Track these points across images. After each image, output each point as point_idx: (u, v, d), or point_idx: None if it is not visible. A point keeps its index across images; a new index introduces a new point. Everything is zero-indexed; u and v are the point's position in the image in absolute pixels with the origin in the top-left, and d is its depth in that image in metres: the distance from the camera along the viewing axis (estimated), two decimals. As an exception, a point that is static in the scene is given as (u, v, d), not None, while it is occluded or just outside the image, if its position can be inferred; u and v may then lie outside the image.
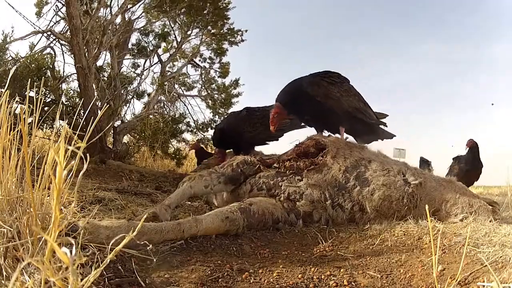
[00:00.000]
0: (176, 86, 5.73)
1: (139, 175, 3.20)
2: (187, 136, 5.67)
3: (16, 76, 3.48)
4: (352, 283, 1.00)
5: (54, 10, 4.23)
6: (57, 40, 4.17)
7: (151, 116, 5.25)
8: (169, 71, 5.52)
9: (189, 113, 5.65)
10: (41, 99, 1.02)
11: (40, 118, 1.07)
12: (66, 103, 4.17)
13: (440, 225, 1.40)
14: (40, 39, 4.07)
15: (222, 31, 5.41)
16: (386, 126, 2.55)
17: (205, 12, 5.11)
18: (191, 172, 2.69)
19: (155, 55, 5.36)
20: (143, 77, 5.24)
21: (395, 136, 2.59)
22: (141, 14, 4.94)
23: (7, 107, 0.97)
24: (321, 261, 1.19)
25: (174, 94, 5.58)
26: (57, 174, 0.55)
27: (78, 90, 4.04)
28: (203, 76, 5.79)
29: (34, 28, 3.94)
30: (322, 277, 1.03)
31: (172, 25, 5.32)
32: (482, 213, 1.55)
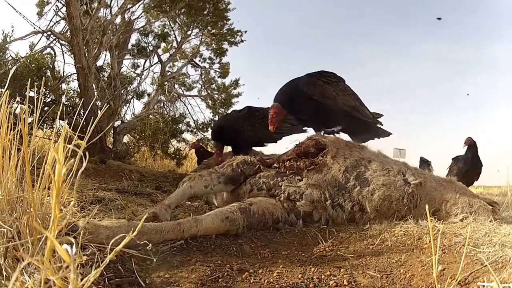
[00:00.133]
0: (176, 86, 5.73)
1: (139, 175, 3.20)
2: (187, 136, 5.67)
3: (16, 76, 3.48)
4: (352, 283, 1.00)
5: (54, 10, 4.24)
6: (57, 40, 4.17)
7: (151, 116, 5.25)
8: (169, 71, 5.52)
9: (189, 113, 5.66)
10: (41, 99, 1.02)
11: (40, 118, 1.07)
12: (66, 103, 4.17)
13: (440, 225, 1.40)
14: (40, 39, 4.08)
15: (222, 31, 5.41)
16: (382, 125, 2.57)
17: (205, 12, 5.11)
18: (191, 172, 2.70)
19: (155, 55, 5.36)
20: (143, 77, 5.25)
21: (391, 134, 2.61)
22: (140, 14, 4.94)
23: (7, 107, 0.97)
24: (321, 261, 1.19)
25: (174, 94, 5.58)
26: (56, 172, 0.55)
27: (78, 90, 4.04)
28: (203, 76, 5.79)
29: (34, 28, 3.95)
30: (322, 277, 1.03)
31: (172, 25, 5.32)
32: (482, 213, 1.55)
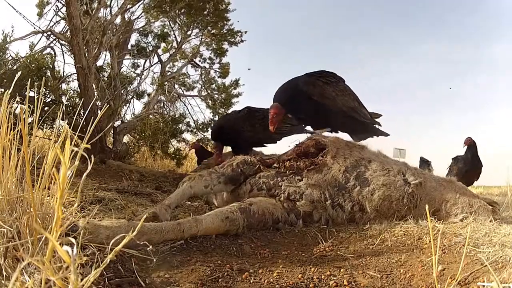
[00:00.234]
0: (176, 86, 5.73)
1: (139, 175, 3.20)
2: (187, 136, 5.67)
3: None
4: (352, 283, 1.00)
5: (54, 10, 4.24)
6: (57, 40, 4.17)
7: (151, 116, 5.25)
8: (169, 71, 5.52)
9: (189, 113, 5.65)
10: (41, 99, 1.02)
11: (40, 118, 1.07)
12: (66, 103, 4.17)
13: (440, 225, 1.40)
14: (40, 39, 4.07)
15: (222, 31, 5.41)
16: (380, 126, 2.59)
17: (205, 12, 5.11)
18: (191, 172, 2.70)
19: (155, 55, 5.36)
20: (143, 77, 5.24)
21: (389, 135, 2.63)
22: (140, 14, 4.94)
23: (7, 107, 0.97)
24: (321, 261, 1.19)
25: (174, 94, 5.58)
26: (61, 174, 0.55)
27: (78, 90, 4.04)
28: (203, 76, 5.79)
29: (34, 28, 3.94)
30: (322, 277, 1.03)
31: (172, 25, 5.32)
32: (482, 213, 1.55)
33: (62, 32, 4.16)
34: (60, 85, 4.20)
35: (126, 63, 5.30)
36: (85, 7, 3.99)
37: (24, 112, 0.87)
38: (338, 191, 1.66)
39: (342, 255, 1.25)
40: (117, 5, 4.40)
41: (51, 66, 4.17)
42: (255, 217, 1.45)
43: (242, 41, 5.54)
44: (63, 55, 4.29)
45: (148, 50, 5.32)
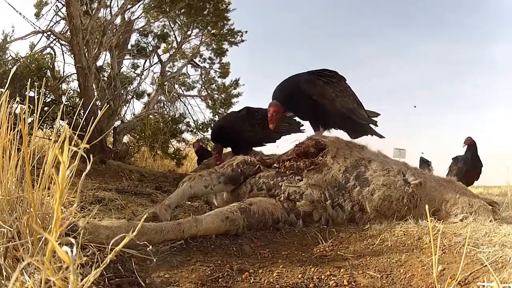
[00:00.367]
0: (176, 86, 5.73)
1: (139, 175, 3.20)
2: (187, 136, 5.68)
3: (16, 76, 3.48)
4: (352, 283, 1.00)
5: (54, 10, 4.24)
6: (57, 40, 4.17)
7: (151, 116, 5.25)
8: (169, 71, 5.52)
9: (189, 113, 5.66)
10: (41, 99, 1.02)
11: (40, 118, 1.07)
12: (66, 103, 4.17)
13: (440, 225, 1.40)
14: (40, 39, 4.08)
15: (222, 31, 5.41)
16: (377, 126, 2.62)
17: (205, 12, 5.11)
18: (191, 172, 2.70)
19: (155, 55, 5.36)
20: (143, 77, 5.25)
21: (384, 137, 2.68)
22: (140, 15, 4.94)
23: (7, 107, 0.97)
24: (321, 261, 1.19)
25: (174, 94, 5.58)
26: (60, 174, 0.55)
27: (78, 90, 4.04)
28: (203, 76, 5.79)
29: (34, 28, 3.95)
30: (322, 277, 1.03)
31: (172, 25, 5.32)
32: (482, 213, 1.55)
33: (62, 32, 4.16)
34: (60, 85, 4.21)
35: (126, 63, 5.31)
36: (85, 7, 3.99)
37: (24, 112, 0.87)
38: (338, 191, 1.66)
39: (342, 255, 1.25)
40: (117, 5, 4.41)
41: (51, 66, 4.17)
42: (255, 217, 1.45)
43: (242, 41, 5.55)
44: (63, 55, 4.30)
45: (148, 50, 5.32)
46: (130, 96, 5.12)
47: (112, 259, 0.56)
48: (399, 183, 1.65)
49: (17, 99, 1.13)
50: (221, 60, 5.75)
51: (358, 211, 1.64)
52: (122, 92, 4.64)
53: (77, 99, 4.28)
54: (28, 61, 3.82)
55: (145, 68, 5.31)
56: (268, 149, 3.26)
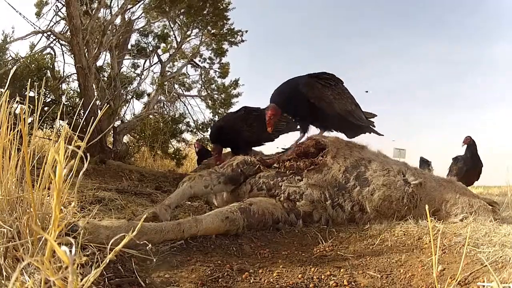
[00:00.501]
0: (176, 86, 5.73)
1: (139, 175, 3.20)
2: (187, 136, 5.68)
3: (16, 76, 3.48)
4: (352, 283, 1.00)
5: (54, 10, 4.24)
6: (57, 40, 4.17)
7: (151, 116, 5.25)
8: (169, 71, 5.52)
9: (189, 113, 5.65)
10: (41, 99, 1.02)
11: (40, 118, 1.07)
12: (66, 103, 4.17)
13: (440, 225, 1.40)
14: (40, 39, 4.08)
15: (222, 31, 5.41)
16: (374, 126, 2.65)
17: (204, 12, 5.11)
18: (191, 172, 2.69)
19: (155, 55, 5.36)
20: (143, 77, 5.25)
21: (382, 135, 2.72)
22: (141, 15, 4.94)
23: (7, 107, 0.97)
24: (321, 261, 1.19)
25: (174, 94, 5.58)
26: (57, 173, 0.55)
27: (78, 90, 4.04)
28: (203, 76, 5.79)
29: (34, 28, 3.95)
30: (322, 277, 1.03)
31: (172, 25, 5.32)
32: (482, 213, 1.55)
33: (62, 32, 4.16)
34: (60, 85, 4.21)
35: (126, 63, 5.31)
36: (85, 7, 3.99)
37: (24, 112, 0.87)
38: (338, 191, 1.66)
39: (342, 255, 1.25)
40: (117, 5, 4.41)
41: (51, 66, 4.17)
42: (255, 217, 1.45)
43: (242, 41, 5.54)
44: (63, 55, 4.30)
45: (148, 50, 5.32)
46: (130, 96, 5.12)
47: (112, 259, 0.56)
48: (399, 183, 1.65)
49: (17, 99, 1.13)
50: (221, 60, 5.75)
51: (358, 211, 1.64)
52: (122, 92, 4.64)
53: (77, 99, 4.28)
54: (28, 61, 3.83)
55: (145, 68, 5.32)
56: (268, 149, 3.26)
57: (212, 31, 5.42)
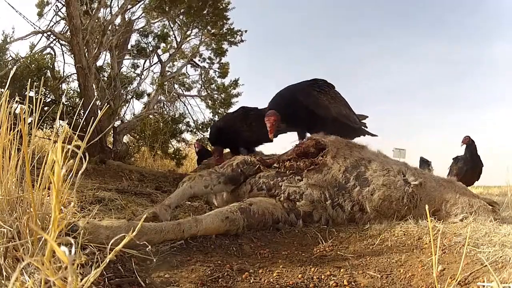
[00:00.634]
0: (176, 86, 5.73)
1: (139, 175, 3.20)
2: (187, 136, 5.68)
3: (16, 76, 3.48)
4: (352, 283, 1.00)
5: (54, 10, 4.24)
6: (57, 40, 4.17)
7: (151, 116, 5.25)
8: (168, 71, 5.52)
9: (189, 113, 5.66)
10: (41, 99, 1.02)
11: (40, 118, 1.07)
12: (66, 103, 4.17)
13: (440, 225, 1.40)
14: (40, 39, 4.08)
15: (221, 31, 5.41)
16: (367, 127, 2.76)
17: (204, 12, 5.11)
18: (191, 172, 2.69)
19: (155, 55, 5.36)
20: (143, 77, 5.25)
21: (377, 135, 2.82)
22: (141, 15, 4.94)
23: (7, 107, 0.97)
24: (321, 261, 1.19)
25: (174, 94, 5.58)
26: (55, 173, 0.55)
27: (78, 90, 4.04)
28: (202, 76, 5.79)
29: (34, 28, 3.95)
30: (322, 277, 1.03)
31: (172, 25, 5.32)
32: (482, 213, 1.55)
33: (62, 32, 4.16)
34: (60, 85, 4.21)
35: (126, 63, 5.31)
36: (85, 7, 4.00)
37: (24, 112, 0.87)
38: (338, 191, 1.66)
39: (342, 255, 1.25)
40: (117, 5, 4.41)
41: (51, 66, 4.17)
42: (255, 217, 1.45)
43: (242, 41, 5.55)
44: (63, 55, 4.30)
45: (148, 50, 5.32)
46: (130, 96, 5.12)
47: (112, 259, 0.56)
48: (399, 183, 1.65)
49: (17, 99, 1.13)
50: (221, 60, 5.75)
51: (358, 211, 1.64)
52: (122, 92, 4.64)
53: (77, 99, 4.28)
54: (28, 61, 3.83)
55: (145, 68, 5.32)
56: (268, 149, 3.27)
57: (212, 31, 5.42)
